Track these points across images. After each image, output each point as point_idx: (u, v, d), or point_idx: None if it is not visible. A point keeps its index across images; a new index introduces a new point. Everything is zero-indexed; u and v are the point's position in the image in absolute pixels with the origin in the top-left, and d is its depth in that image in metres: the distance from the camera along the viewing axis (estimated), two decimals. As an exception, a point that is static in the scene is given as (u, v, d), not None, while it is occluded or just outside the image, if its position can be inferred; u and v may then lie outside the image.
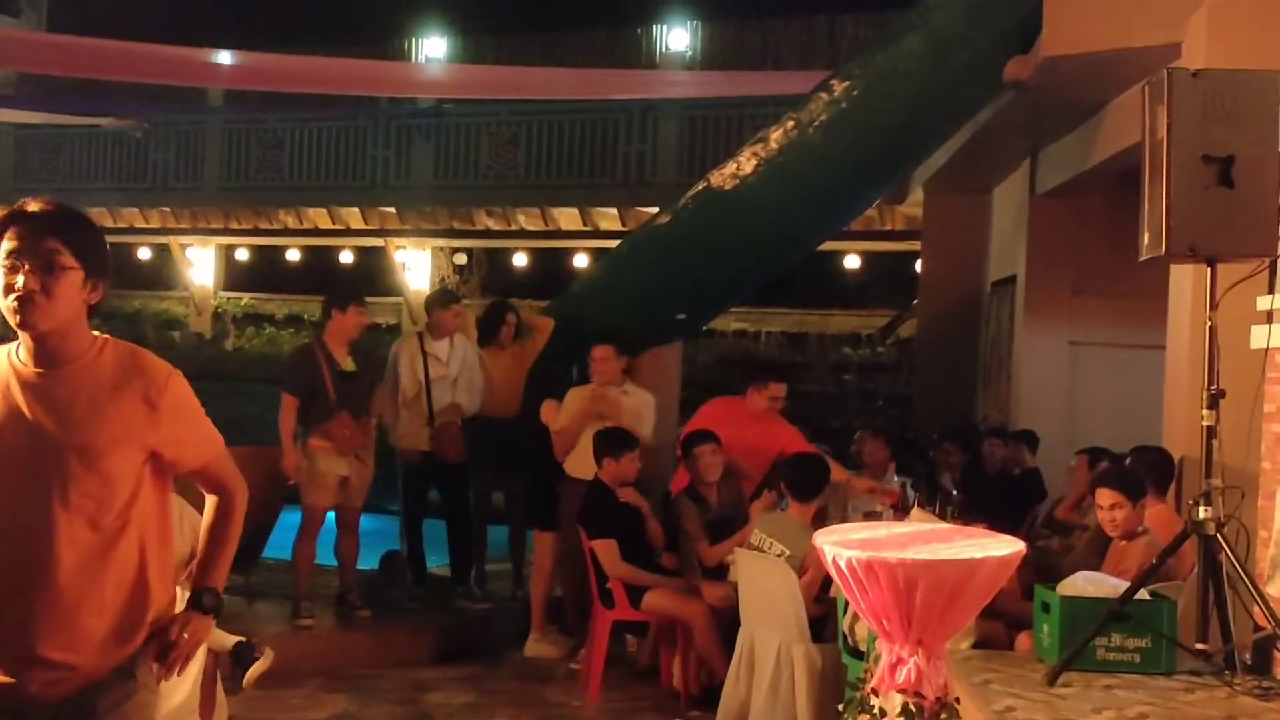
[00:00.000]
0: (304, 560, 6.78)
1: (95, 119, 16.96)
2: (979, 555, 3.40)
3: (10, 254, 2.37)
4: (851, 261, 15.16)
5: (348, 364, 6.76)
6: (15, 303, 2.37)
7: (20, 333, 2.43)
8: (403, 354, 7.41)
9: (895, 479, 6.62)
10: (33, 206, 2.45)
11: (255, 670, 4.01)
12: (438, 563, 8.06)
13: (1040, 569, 5.31)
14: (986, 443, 8.44)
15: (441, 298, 8.01)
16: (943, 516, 5.41)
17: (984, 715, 3.79)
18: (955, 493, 7.00)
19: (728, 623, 5.94)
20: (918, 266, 12.40)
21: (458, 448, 7.36)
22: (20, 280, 2.37)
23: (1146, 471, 5.39)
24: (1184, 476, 5.56)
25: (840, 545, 3.46)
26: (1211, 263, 4.16)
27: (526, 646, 7.00)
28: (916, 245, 12.56)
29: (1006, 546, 3.48)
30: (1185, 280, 5.71)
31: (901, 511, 6.04)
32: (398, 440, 7.40)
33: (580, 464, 6.73)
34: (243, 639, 4.16)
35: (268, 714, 5.65)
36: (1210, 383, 4.16)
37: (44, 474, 2.39)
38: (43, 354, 2.46)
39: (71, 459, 2.40)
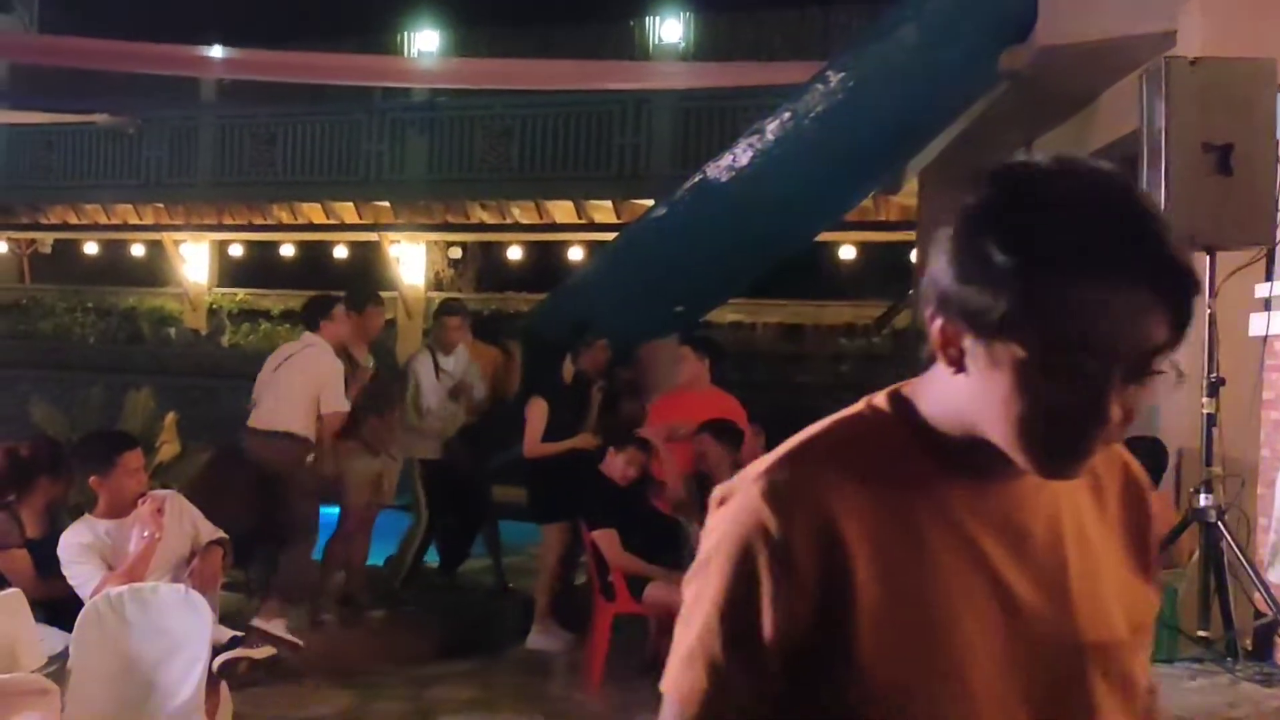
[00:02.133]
0: (335, 559, 6.82)
1: (88, 116, 16.92)
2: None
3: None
4: (847, 252, 15.17)
5: (368, 363, 6.81)
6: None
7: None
8: (420, 368, 7.44)
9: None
10: None
11: (232, 654, 4.02)
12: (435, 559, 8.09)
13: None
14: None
15: (446, 308, 7.96)
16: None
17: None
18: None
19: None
20: (913, 257, 12.40)
21: (467, 459, 7.47)
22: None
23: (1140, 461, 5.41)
24: (1183, 465, 5.58)
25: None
26: (1211, 251, 4.17)
27: (529, 639, 7.02)
28: (912, 235, 12.57)
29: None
30: (1183, 269, 5.71)
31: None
32: (412, 448, 7.44)
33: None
34: (238, 634, 4.17)
35: (273, 711, 5.65)
36: (1210, 370, 4.18)
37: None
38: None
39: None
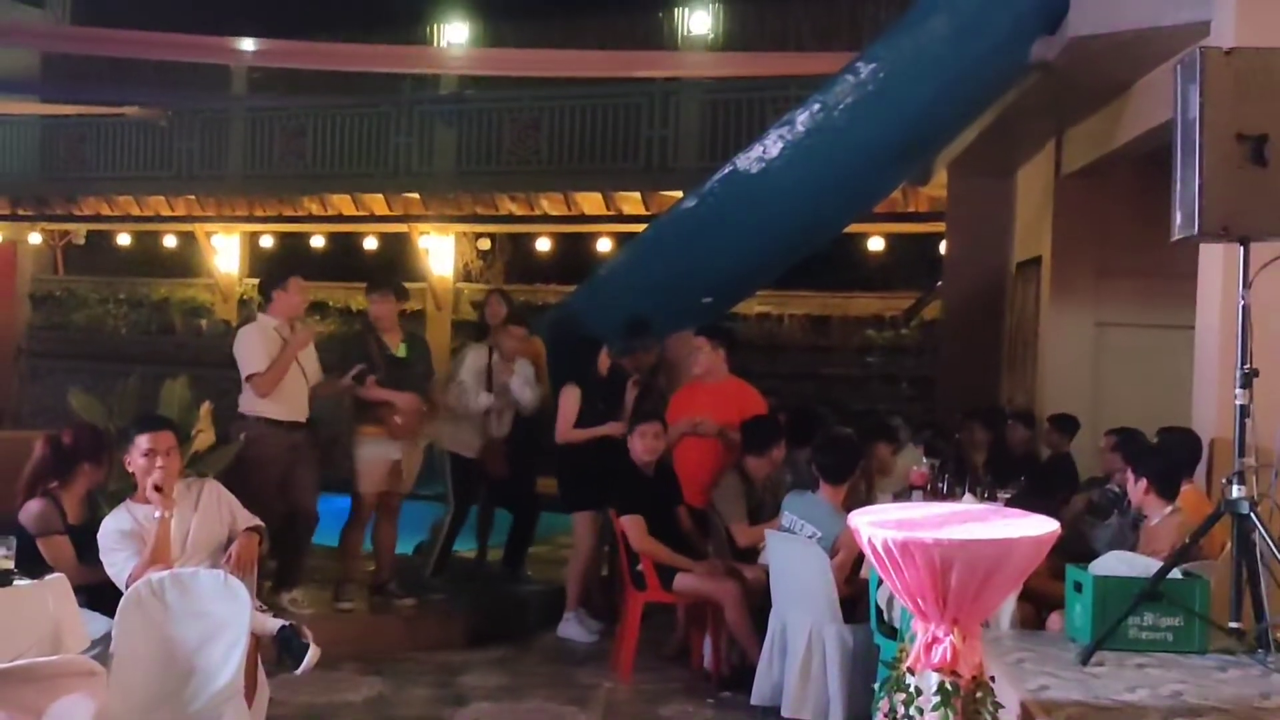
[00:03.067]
0: (353, 546, 6.88)
1: (120, 108, 17.07)
2: (1014, 535, 3.42)
3: None
4: (875, 244, 15.12)
5: (399, 350, 6.87)
6: None
7: None
8: (473, 367, 7.50)
9: (924, 461, 6.64)
10: None
11: (310, 659, 4.09)
12: (467, 547, 8.16)
13: (1070, 552, 5.34)
14: (1009, 425, 8.44)
15: (514, 318, 7.83)
16: (977, 498, 5.44)
17: (1018, 694, 3.82)
18: (979, 471, 7.05)
19: (758, 605, 5.99)
20: (942, 248, 12.37)
21: (503, 465, 7.55)
22: None
23: (1176, 452, 5.40)
24: (1215, 457, 5.57)
25: (876, 525, 3.48)
26: (1245, 242, 4.16)
27: (559, 628, 7.07)
28: (941, 227, 12.52)
29: (1042, 526, 3.51)
30: (1215, 260, 5.70)
31: (931, 494, 6.06)
32: (448, 441, 7.49)
33: None
34: (286, 623, 4.23)
35: (306, 697, 5.73)
36: (1244, 362, 4.17)
37: None
38: None
39: None
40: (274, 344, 6.47)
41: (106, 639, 3.94)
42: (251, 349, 6.45)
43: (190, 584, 4.05)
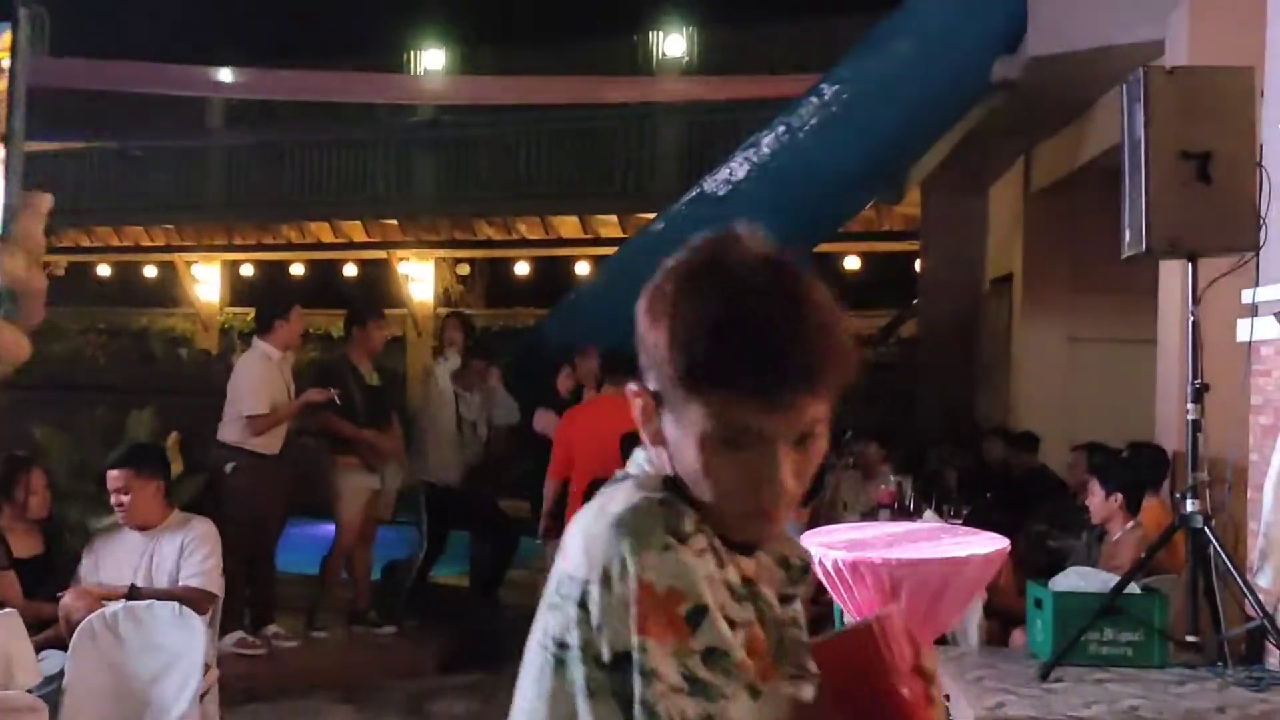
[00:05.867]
0: (334, 574, 6.86)
1: (95, 144, 17.04)
2: (963, 554, 3.45)
3: None
4: (851, 262, 15.18)
5: (372, 378, 6.86)
6: None
7: None
8: (439, 396, 7.52)
9: (892, 479, 6.65)
10: None
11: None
12: (447, 573, 8.14)
13: (1040, 567, 5.36)
14: (986, 441, 8.47)
15: (477, 352, 7.98)
16: (943, 515, 5.46)
17: (975, 712, 3.82)
18: (955, 492, 7.06)
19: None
20: (917, 266, 12.42)
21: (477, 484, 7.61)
22: None
23: (1140, 467, 5.43)
24: (1175, 471, 5.59)
25: (826, 546, 3.50)
26: (1192, 258, 4.20)
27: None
28: (915, 245, 12.59)
29: (991, 544, 3.53)
30: (1174, 276, 5.74)
31: (899, 512, 6.07)
32: (427, 472, 7.50)
33: None
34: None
35: (274, 726, 5.71)
36: (1194, 376, 4.20)
37: None
38: None
39: None
40: (275, 378, 6.43)
41: (62, 674, 3.93)
42: (252, 386, 6.36)
43: (145, 616, 4.04)
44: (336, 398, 6.59)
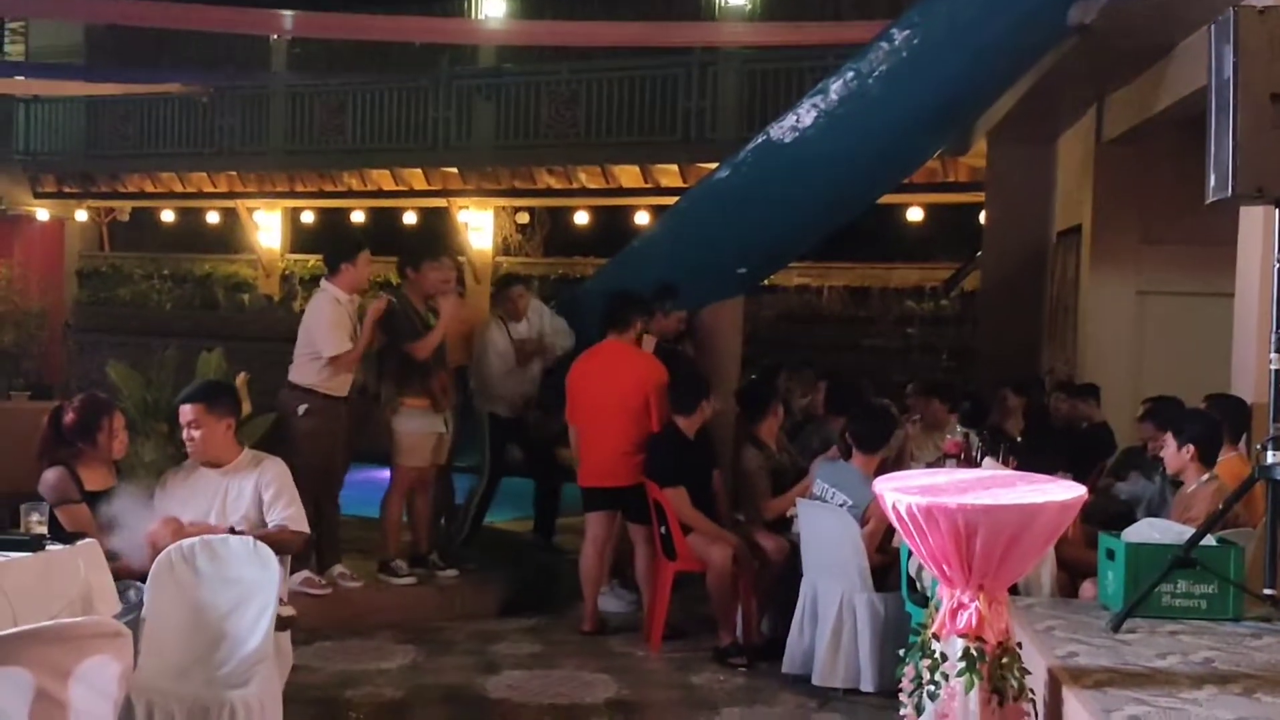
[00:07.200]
0: (395, 518, 6.90)
1: (162, 87, 17.20)
2: (1039, 500, 3.40)
3: None
4: (914, 214, 14.99)
5: (429, 320, 6.86)
6: None
7: None
8: (490, 337, 7.53)
9: (959, 430, 6.59)
10: None
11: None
12: (502, 518, 8.19)
13: (1105, 519, 5.30)
14: (1052, 397, 8.37)
15: (506, 281, 8.19)
16: (1005, 464, 5.40)
17: (1046, 660, 3.79)
18: (1019, 440, 6.99)
19: (785, 574, 5.99)
20: (982, 218, 12.25)
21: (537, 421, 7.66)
22: None
23: (1220, 419, 5.32)
24: (1254, 423, 5.49)
25: (901, 491, 3.47)
26: (1279, 204, 4.09)
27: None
28: (980, 197, 12.40)
29: (1067, 491, 3.48)
30: (1255, 225, 5.61)
31: (965, 462, 6.01)
32: (491, 404, 7.54)
33: None
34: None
35: (340, 665, 5.80)
36: (1277, 325, 4.10)
37: None
38: None
39: None
40: (344, 320, 6.48)
41: (140, 604, 4.00)
42: (329, 326, 6.40)
43: (221, 550, 4.10)
44: (393, 306, 6.64)
